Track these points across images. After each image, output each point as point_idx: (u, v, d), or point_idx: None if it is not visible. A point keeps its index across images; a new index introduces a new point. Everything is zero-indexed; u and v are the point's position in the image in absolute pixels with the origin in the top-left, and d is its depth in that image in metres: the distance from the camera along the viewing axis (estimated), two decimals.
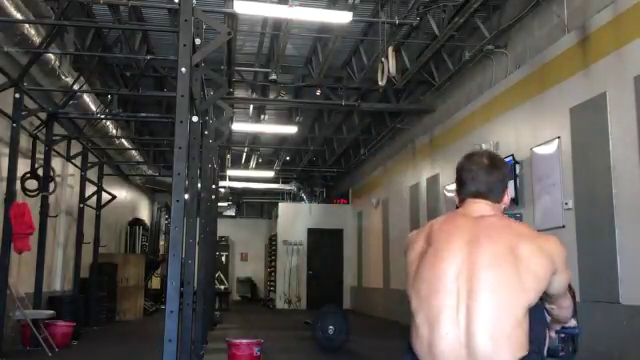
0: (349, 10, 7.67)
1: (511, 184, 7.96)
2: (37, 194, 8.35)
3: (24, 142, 7.99)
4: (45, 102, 8.63)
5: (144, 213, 18.31)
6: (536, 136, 7.59)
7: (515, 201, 7.87)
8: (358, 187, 18.10)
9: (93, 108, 9.55)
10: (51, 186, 8.74)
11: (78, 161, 10.42)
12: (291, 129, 13.65)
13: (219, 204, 14.99)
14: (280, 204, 19.52)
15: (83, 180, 10.56)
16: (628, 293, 5.81)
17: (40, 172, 8.48)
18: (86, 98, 9.24)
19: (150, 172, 14.62)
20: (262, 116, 14.13)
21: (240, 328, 11.75)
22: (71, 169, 10.54)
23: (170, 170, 5.61)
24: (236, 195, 21.84)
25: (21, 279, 8.10)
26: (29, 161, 8.32)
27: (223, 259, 22.44)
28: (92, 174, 11.19)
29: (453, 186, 2.25)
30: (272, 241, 20.45)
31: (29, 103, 7.86)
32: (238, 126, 13.56)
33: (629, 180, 5.85)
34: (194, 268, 5.99)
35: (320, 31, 9.74)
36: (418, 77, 10.72)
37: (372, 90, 11.37)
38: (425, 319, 1.74)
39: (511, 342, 1.65)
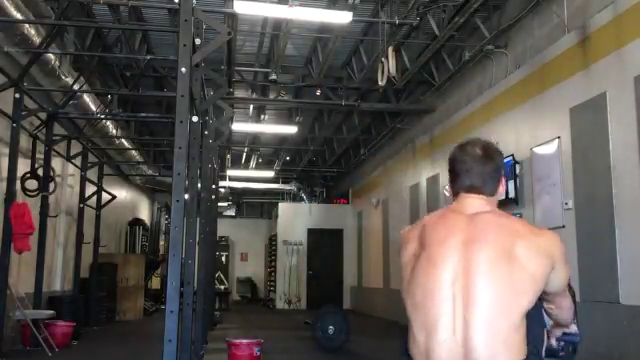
0: (349, 10, 7.67)
1: (511, 184, 7.96)
2: (37, 194, 8.35)
3: (24, 142, 7.99)
4: (45, 102, 8.63)
5: (144, 213, 18.31)
6: (536, 136, 7.59)
7: (515, 201, 7.87)
8: (358, 187, 18.10)
9: (93, 108, 9.55)
10: (51, 186, 8.75)
11: (78, 161, 10.43)
12: (291, 129, 13.65)
13: (219, 204, 14.99)
14: (280, 204, 19.52)
15: (83, 180, 10.56)
16: (628, 293, 5.81)
17: (40, 172, 8.48)
18: (86, 98, 9.25)
19: (150, 172, 14.62)
20: (262, 116, 14.13)
21: (240, 328, 11.75)
22: (71, 169, 10.54)
23: (170, 170, 5.62)
24: (236, 195, 21.84)
25: (21, 279, 8.10)
26: (29, 161, 8.32)
27: (223, 259, 22.44)
28: (92, 174, 11.19)
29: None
30: (272, 241, 20.46)
31: (29, 103, 7.86)
32: (238, 126, 13.56)
33: (629, 180, 5.85)
34: (194, 268, 5.99)
35: (320, 31, 9.74)
36: (418, 77, 10.72)
37: (372, 90, 11.37)
38: (422, 325, 1.71)
39: (509, 347, 1.63)
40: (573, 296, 2.07)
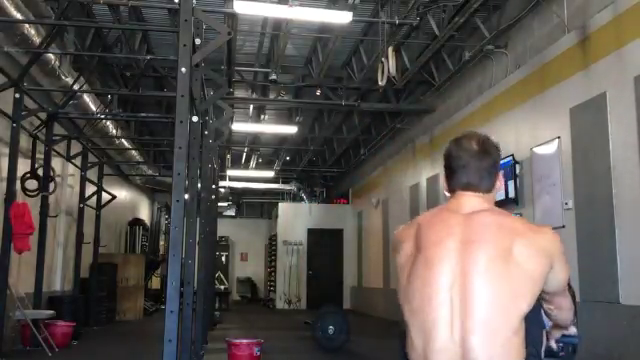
0: (349, 10, 7.67)
1: (511, 184, 7.97)
2: (37, 194, 8.35)
3: (24, 142, 7.99)
4: (45, 102, 8.63)
5: (144, 213, 18.31)
6: (536, 136, 7.59)
7: (515, 201, 7.87)
8: (358, 187, 18.10)
9: (93, 108, 9.55)
10: (51, 186, 8.74)
11: (78, 161, 10.43)
12: (291, 129, 13.65)
13: (219, 204, 14.99)
14: (280, 204, 19.52)
15: (83, 180, 10.56)
16: (628, 293, 5.81)
17: (40, 172, 8.48)
18: (86, 98, 9.24)
19: (150, 172, 14.62)
20: (262, 116, 14.13)
21: (240, 328, 11.75)
22: (71, 169, 10.54)
23: (170, 170, 5.62)
24: (236, 195, 21.84)
25: (21, 279, 8.10)
26: (29, 161, 8.32)
27: (223, 259, 22.44)
28: (92, 174, 11.19)
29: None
30: (272, 241, 20.45)
31: (29, 103, 7.86)
32: (238, 126, 13.56)
33: (629, 180, 5.85)
34: (194, 268, 5.99)
35: (320, 31, 9.74)
36: (418, 77, 10.72)
37: (372, 90, 11.37)
38: (420, 330, 1.68)
39: (508, 350, 1.61)
40: (573, 296, 2.05)
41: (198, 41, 5.28)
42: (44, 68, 7.75)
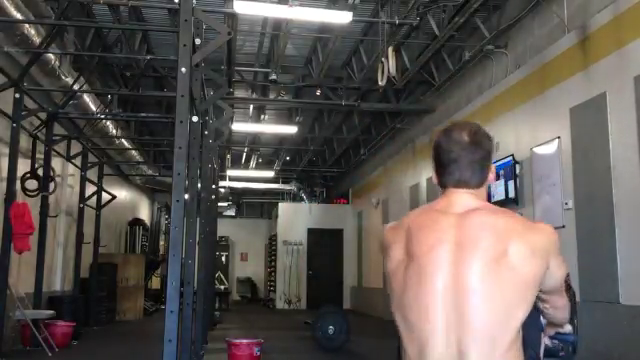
0: (349, 10, 7.67)
1: (511, 184, 7.97)
2: (37, 194, 8.35)
3: (24, 142, 7.99)
4: (45, 102, 8.63)
5: (144, 213, 18.31)
6: (536, 136, 7.59)
7: (515, 201, 7.87)
8: (358, 187, 18.10)
9: (93, 108, 9.55)
10: (51, 186, 8.75)
11: (78, 161, 10.43)
12: (291, 129, 13.65)
13: (219, 204, 15.00)
14: (280, 204, 19.52)
15: (83, 180, 10.57)
16: (628, 293, 5.81)
17: (40, 172, 8.48)
18: (86, 98, 9.25)
19: (150, 172, 14.63)
20: (262, 116, 14.13)
21: (240, 328, 11.75)
22: (71, 169, 10.54)
23: (170, 170, 5.62)
24: (236, 195, 21.84)
25: (21, 279, 8.10)
26: (29, 161, 8.32)
27: (223, 259, 22.44)
28: (92, 174, 11.20)
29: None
30: (272, 241, 20.45)
31: (29, 103, 7.86)
32: (238, 126, 13.56)
33: (629, 180, 5.85)
34: (194, 268, 5.99)
35: (320, 31, 9.74)
36: (418, 77, 10.72)
37: (372, 90, 11.37)
38: (414, 344, 1.61)
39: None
40: (573, 296, 2.03)
41: (198, 41, 5.28)
42: (44, 68, 7.76)
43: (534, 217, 7.44)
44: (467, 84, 9.99)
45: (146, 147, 14.56)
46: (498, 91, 8.75)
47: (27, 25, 6.78)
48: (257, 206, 24.54)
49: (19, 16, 6.45)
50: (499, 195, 8.19)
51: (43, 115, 8.55)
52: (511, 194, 7.95)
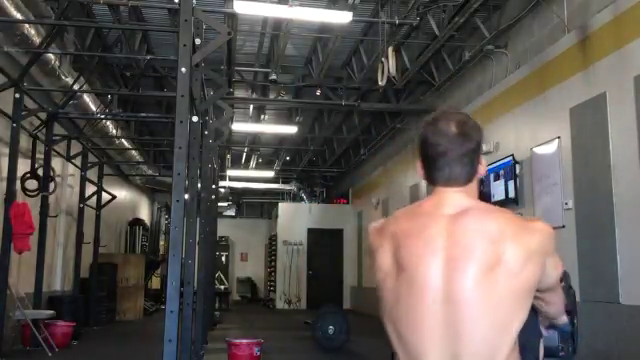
0: (349, 10, 7.67)
1: (511, 184, 7.97)
2: (37, 194, 8.35)
3: (24, 142, 7.99)
4: (45, 102, 8.63)
5: (144, 213, 18.31)
6: (536, 136, 7.59)
7: (515, 201, 7.87)
8: (358, 187, 18.10)
9: (93, 108, 9.55)
10: (51, 186, 8.75)
11: (78, 161, 10.43)
12: (291, 129, 13.65)
13: (219, 204, 14.99)
14: (280, 204, 19.52)
15: (83, 180, 10.57)
16: (628, 293, 5.81)
17: (40, 172, 8.48)
18: (86, 98, 9.25)
19: (150, 172, 14.63)
20: (262, 116, 14.13)
21: (240, 328, 11.75)
22: (71, 169, 10.54)
23: (170, 170, 5.61)
24: (236, 195, 21.84)
25: (21, 279, 8.10)
26: (29, 161, 8.32)
27: (223, 259, 22.44)
28: (92, 174, 11.20)
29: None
30: (272, 241, 20.45)
31: (29, 103, 7.86)
32: (238, 126, 13.56)
33: (629, 180, 5.85)
34: (194, 268, 5.99)
35: (320, 31, 9.74)
36: (418, 77, 10.72)
37: (372, 90, 11.37)
38: (408, 357, 1.55)
39: None
40: (573, 296, 2.03)
41: (198, 41, 5.28)
42: (44, 68, 7.76)
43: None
44: (467, 84, 9.99)
45: (146, 147, 14.56)
46: (498, 91, 8.75)
47: (27, 25, 6.78)
48: (257, 206, 24.54)
49: (19, 16, 6.45)
50: (499, 195, 8.19)
51: (43, 115, 8.55)
52: (511, 194, 7.95)
